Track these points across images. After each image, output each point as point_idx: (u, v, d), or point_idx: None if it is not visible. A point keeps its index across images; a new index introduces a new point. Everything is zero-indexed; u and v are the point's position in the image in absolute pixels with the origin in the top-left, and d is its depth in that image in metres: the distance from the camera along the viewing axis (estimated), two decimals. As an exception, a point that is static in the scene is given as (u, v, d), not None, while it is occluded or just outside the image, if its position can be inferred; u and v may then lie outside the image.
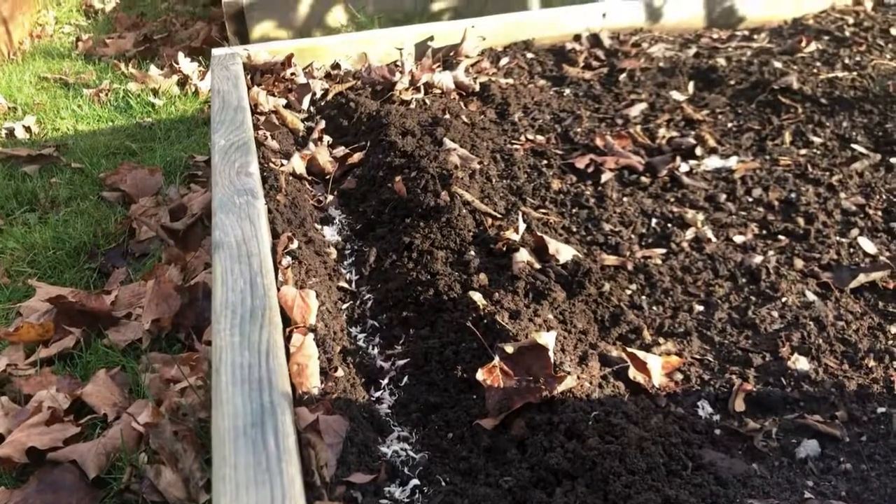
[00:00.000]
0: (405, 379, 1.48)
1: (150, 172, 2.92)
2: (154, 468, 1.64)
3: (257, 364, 1.20)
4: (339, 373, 1.40)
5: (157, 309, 2.13)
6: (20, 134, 3.36)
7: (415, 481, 1.28)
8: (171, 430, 1.65)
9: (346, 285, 1.75)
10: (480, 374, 1.33)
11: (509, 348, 1.33)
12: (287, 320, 1.46)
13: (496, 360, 1.34)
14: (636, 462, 1.17)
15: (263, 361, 1.20)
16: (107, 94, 3.77)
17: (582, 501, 1.15)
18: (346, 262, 1.86)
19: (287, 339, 1.41)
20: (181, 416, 1.75)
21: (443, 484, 1.27)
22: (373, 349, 1.59)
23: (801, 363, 1.41)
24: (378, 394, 1.48)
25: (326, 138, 2.32)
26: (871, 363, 1.41)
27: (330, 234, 1.96)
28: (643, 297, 1.61)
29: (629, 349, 1.41)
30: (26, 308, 2.25)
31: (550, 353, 1.31)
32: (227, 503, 0.96)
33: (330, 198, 2.10)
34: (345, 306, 1.70)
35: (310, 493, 1.13)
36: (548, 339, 1.31)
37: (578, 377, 1.32)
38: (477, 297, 1.52)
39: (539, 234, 1.71)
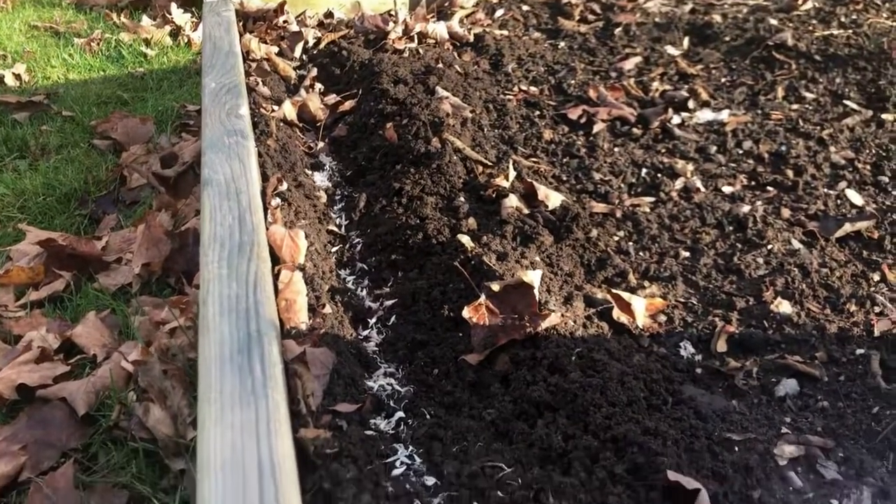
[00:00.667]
0: (392, 318, 1.50)
1: (142, 121, 2.90)
2: (143, 406, 1.65)
3: (245, 295, 1.20)
4: (328, 309, 1.41)
5: (147, 253, 2.13)
6: (10, 81, 3.33)
7: (400, 414, 1.30)
8: (159, 368, 1.66)
9: (335, 229, 1.76)
10: (466, 312, 1.35)
11: (495, 286, 1.34)
12: (276, 259, 1.47)
13: (482, 298, 1.35)
14: (617, 395, 1.19)
15: (251, 293, 1.21)
16: (98, 44, 3.73)
17: (563, 432, 1.17)
18: (335, 208, 1.87)
19: (276, 276, 1.42)
20: (170, 357, 1.77)
21: (427, 416, 1.29)
22: (361, 291, 1.60)
23: (784, 307, 1.42)
24: (366, 332, 1.49)
25: (318, 86, 2.31)
26: (853, 308, 1.43)
27: (320, 179, 1.96)
28: (630, 243, 1.62)
29: (614, 290, 1.43)
30: (16, 252, 2.25)
31: (536, 292, 1.32)
32: (212, 423, 0.98)
33: (321, 145, 2.09)
34: (334, 249, 1.70)
35: (296, 420, 1.15)
36: (534, 277, 1.32)
37: (563, 315, 1.34)
38: (465, 239, 1.53)
39: (529, 180, 1.71)
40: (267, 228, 1.47)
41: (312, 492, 1.09)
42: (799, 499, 1.09)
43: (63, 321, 2.02)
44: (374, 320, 1.51)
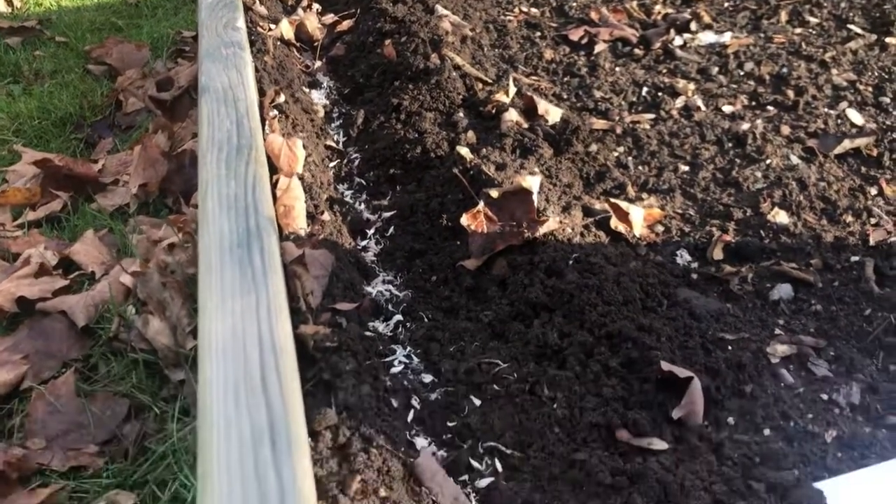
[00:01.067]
0: (391, 229, 1.50)
1: (137, 47, 2.86)
2: (142, 317, 1.66)
3: (243, 194, 1.20)
4: (326, 217, 1.41)
5: (144, 173, 2.12)
6: (1, 7, 3.27)
7: (398, 317, 1.31)
8: (158, 280, 1.67)
9: (333, 144, 1.75)
10: (465, 219, 1.35)
11: (494, 193, 1.34)
12: (273, 170, 1.46)
13: (480, 205, 1.35)
14: (613, 295, 1.20)
15: (250, 192, 1.21)
16: (90, -28, 3.66)
17: (559, 330, 1.18)
18: (333, 125, 1.85)
19: (274, 185, 1.42)
20: (169, 273, 1.78)
21: (425, 320, 1.30)
22: (360, 204, 1.60)
23: (781, 217, 1.43)
24: (364, 243, 1.50)
25: (315, 6, 2.28)
26: (849, 219, 1.43)
27: (317, 98, 1.94)
28: (629, 158, 1.62)
29: (612, 200, 1.43)
30: (12, 173, 2.23)
31: (534, 198, 1.32)
32: (212, 310, 0.98)
33: (318, 64, 2.07)
34: (332, 165, 1.70)
35: (296, 318, 1.16)
36: (532, 182, 1.32)
37: (561, 222, 1.34)
38: (464, 151, 1.53)
39: (529, 94, 1.70)
40: (264, 139, 1.46)
41: (313, 383, 1.11)
42: (790, 394, 1.11)
43: (61, 240, 2.02)
44: (372, 231, 1.51)
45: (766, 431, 1.06)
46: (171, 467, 1.37)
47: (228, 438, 0.81)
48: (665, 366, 1.06)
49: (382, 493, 0.94)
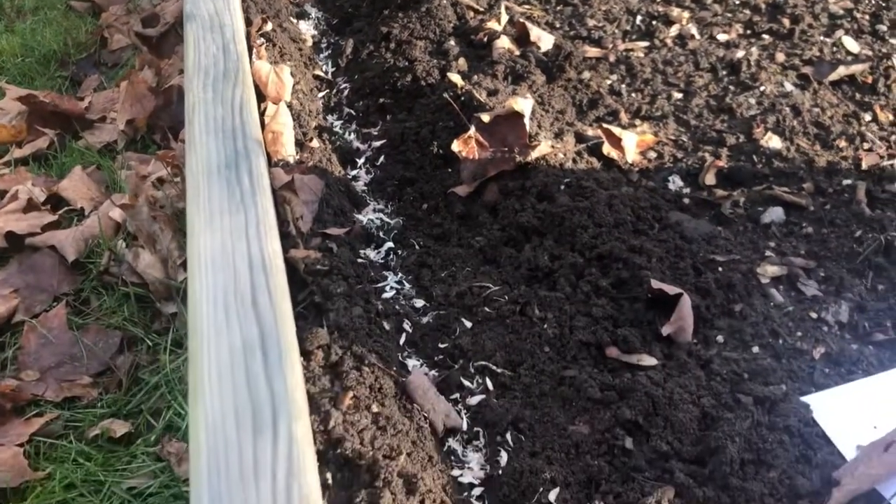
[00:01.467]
0: (381, 158, 1.49)
1: (120, -17, 2.80)
2: (132, 251, 1.66)
3: (230, 117, 1.19)
4: (315, 144, 1.39)
5: (131, 109, 2.09)
6: (-21, -56, 3.18)
7: (389, 244, 1.31)
8: (147, 213, 1.66)
9: (322, 74, 1.72)
10: (456, 145, 1.34)
11: (485, 117, 1.33)
12: (261, 97, 1.44)
13: (472, 130, 1.34)
14: (604, 217, 1.20)
15: (237, 115, 1.20)
16: None
17: (549, 253, 1.18)
18: (322, 55, 1.82)
19: (262, 114, 1.40)
20: (158, 208, 1.76)
21: (416, 247, 1.30)
22: (349, 134, 1.58)
23: (774, 142, 1.42)
24: (354, 172, 1.48)
25: (302, -64, 2.22)
26: (842, 144, 1.43)
27: (306, 28, 1.91)
28: (623, 86, 1.60)
29: (605, 126, 1.42)
30: (-3, 110, 2.20)
31: (526, 121, 1.31)
32: (201, 229, 0.98)
33: (306, -5, 2.03)
34: (321, 95, 1.67)
35: (286, 242, 1.15)
36: (524, 105, 1.31)
37: (553, 147, 1.33)
38: (455, 78, 1.50)
39: (521, 21, 1.67)
40: (251, 65, 1.44)
41: (304, 305, 1.11)
42: (779, 313, 1.12)
43: (49, 177, 2.00)
44: (362, 161, 1.50)
45: (755, 349, 1.06)
46: (165, 397, 1.38)
47: (219, 350, 0.81)
48: (655, 283, 1.06)
49: (375, 408, 0.95)
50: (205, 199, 1.02)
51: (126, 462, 1.30)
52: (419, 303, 1.20)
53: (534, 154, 1.29)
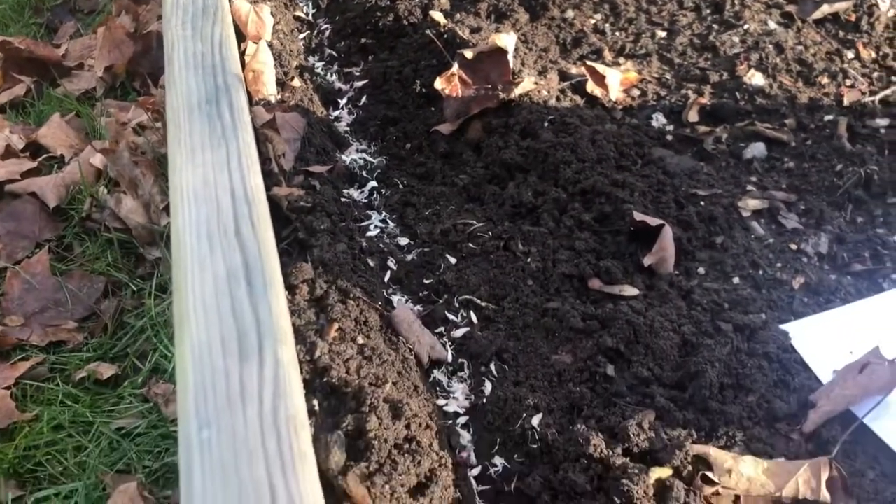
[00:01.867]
0: (363, 98, 1.48)
1: (93, -73, 2.72)
2: (115, 197, 1.64)
3: (210, 53, 1.17)
4: (297, 83, 1.38)
5: (109, 56, 2.06)
6: None
7: (373, 184, 1.31)
8: (129, 157, 1.64)
9: (302, 16, 1.70)
10: (439, 83, 1.33)
11: (468, 53, 1.31)
12: (241, 37, 1.42)
13: (455, 67, 1.33)
14: (587, 153, 1.20)
15: (217, 51, 1.18)
16: None
17: (533, 189, 1.19)
18: (302, -2, 1.79)
19: (242, 53, 1.38)
20: (140, 153, 1.75)
21: (400, 186, 1.30)
22: (331, 75, 1.57)
23: (757, 79, 1.42)
24: (336, 113, 1.47)
25: None
26: (825, 80, 1.43)
27: (285, -30, 1.87)
28: (606, 25, 1.59)
29: (589, 63, 1.41)
30: (-29, 57, 2.16)
31: (510, 58, 1.30)
32: (182, 164, 0.97)
33: (285, -64, 1.98)
34: (302, 36, 1.65)
35: (268, 180, 1.15)
36: (507, 41, 1.30)
37: (536, 83, 1.32)
38: (438, 16, 1.49)
39: (503, -41, 1.65)
40: (230, 3, 1.41)
41: (288, 242, 1.11)
42: (760, 245, 1.13)
43: (27, 125, 1.97)
44: (344, 101, 1.49)
45: (736, 280, 1.08)
46: (151, 340, 1.38)
47: (203, 280, 0.81)
48: (637, 215, 1.07)
49: (360, 340, 0.96)
50: (186, 134, 1.01)
51: (113, 404, 1.31)
52: (403, 241, 1.20)
53: (517, 91, 1.29)
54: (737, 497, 0.85)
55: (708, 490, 0.83)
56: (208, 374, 0.74)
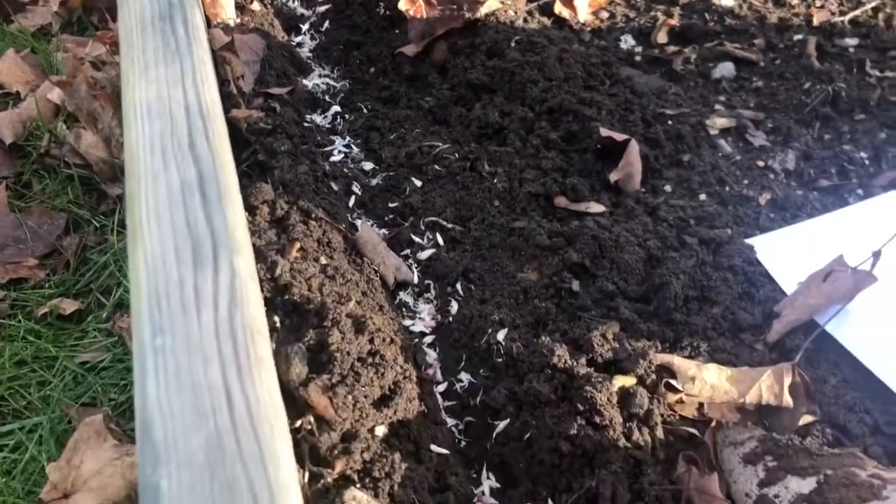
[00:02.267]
0: (326, 23, 1.44)
1: None
2: (74, 132, 1.60)
3: (161, -30, 1.12)
4: (256, 6, 1.34)
5: (63, -11, 1.99)
6: None
7: (336, 108, 1.28)
8: (87, 91, 1.59)
9: (262, -58, 1.64)
10: (403, 4, 1.29)
11: (432, -27, 1.28)
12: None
13: (419, -12, 1.29)
14: (555, 72, 1.18)
15: (168, -32, 1.13)
16: None
17: (500, 110, 1.16)
18: (263, -76, 1.73)
19: (198, -23, 1.33)
20: (98, 88, 1.70)
21: (364, 110, 1.27)
22: (293, 3, 1.52)
23: (727, 0, 1.40)
24: (298, 38, 1.43)
25: None
26: (795, 1, 1.41)
27: None
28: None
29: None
30: (-82, -7, 2.07)
31: (474, -23, 1.27)
32: (135, 80, 0.94)
33: None
34: (262, -38, 1.60)
35: (227, 102, 1.12)
36: (471, -41, 1.26)
37: (503, 2, 1.29)
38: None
39: None
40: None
41: (248, 164, 1.09)
42: (727, 162, 1.13)
43: (-20, 62, 1.90)
44: (306, 27, 1.45)
45: (702, 196, 1.07)
46: (115, 275, 1.36)
47: (157, 192, 0.79)
48: (604, 130, 1.06)
49: (323, 260, 0.94)
50: (139, 51, 0.97)
51: (77, 339, 1.29)
52: (368, 165, 1.18)
53: (483, 10, 1.26)
54: (701, 404, 0.85)
55: (672, 398, 0.84)
56: (162, 283, 0.72)
